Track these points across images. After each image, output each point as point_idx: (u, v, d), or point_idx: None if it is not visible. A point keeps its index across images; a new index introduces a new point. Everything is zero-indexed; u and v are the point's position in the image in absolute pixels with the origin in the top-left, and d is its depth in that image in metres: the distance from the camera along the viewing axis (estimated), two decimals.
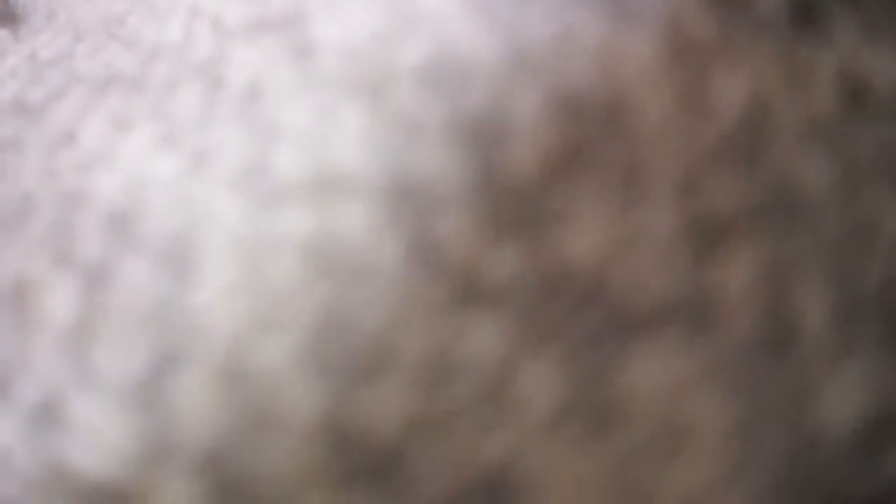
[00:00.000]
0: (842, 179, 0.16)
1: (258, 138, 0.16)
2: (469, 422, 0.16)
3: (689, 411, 0.16)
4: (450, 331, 0.16)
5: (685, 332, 0.16)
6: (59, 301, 0.17)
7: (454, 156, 0.16)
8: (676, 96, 0.16)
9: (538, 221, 0.16)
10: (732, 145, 0.16)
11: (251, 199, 0.16)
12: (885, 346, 0.16)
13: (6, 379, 0.17)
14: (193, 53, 0.17)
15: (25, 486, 0.17)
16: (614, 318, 0.16)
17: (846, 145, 0.16)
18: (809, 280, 0.16)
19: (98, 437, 0.16)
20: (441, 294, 0.16)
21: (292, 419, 0.16)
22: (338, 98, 0.16)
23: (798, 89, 0.16)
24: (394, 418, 0.16)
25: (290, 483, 0.16)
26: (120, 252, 0.16)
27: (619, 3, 0.16)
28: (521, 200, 0.16)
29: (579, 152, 0.16)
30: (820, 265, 0.16)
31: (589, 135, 0.16)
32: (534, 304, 0.16)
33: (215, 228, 0.16)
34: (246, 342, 0.16)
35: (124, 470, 0.16)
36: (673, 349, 0.16)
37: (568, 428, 0.16)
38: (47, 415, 0.16)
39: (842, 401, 0.16)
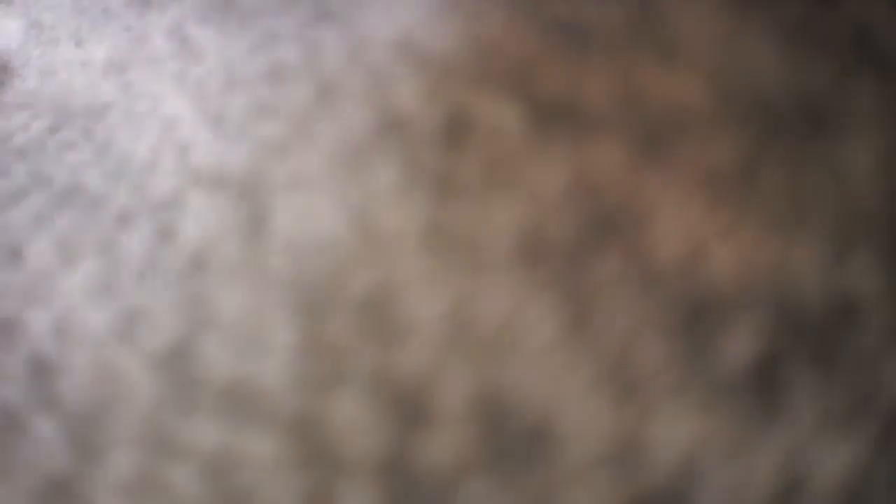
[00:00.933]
0: None
1: (192, 319, 0.16)
2: None
3: None
4: None
5: None
6: None
7: (374, 421, 0.15)
8: (612, 434, 0.15)
9: None
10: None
11: (169, 390, 0.15)
12: None
13: None
14: (154, 186, 0.16)
15: None
16: None
17: None
18: None
19: None
20: None
21: None
22: (275, 305, 0.15)
23: (735, 465, 0.16)
24: None
25: None
26: (35, 406, 0.16)
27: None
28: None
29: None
30: None
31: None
32: None
33: (128, 413, 0.16)
34: None
35: None
36: None
37: None
38: None
39: None
